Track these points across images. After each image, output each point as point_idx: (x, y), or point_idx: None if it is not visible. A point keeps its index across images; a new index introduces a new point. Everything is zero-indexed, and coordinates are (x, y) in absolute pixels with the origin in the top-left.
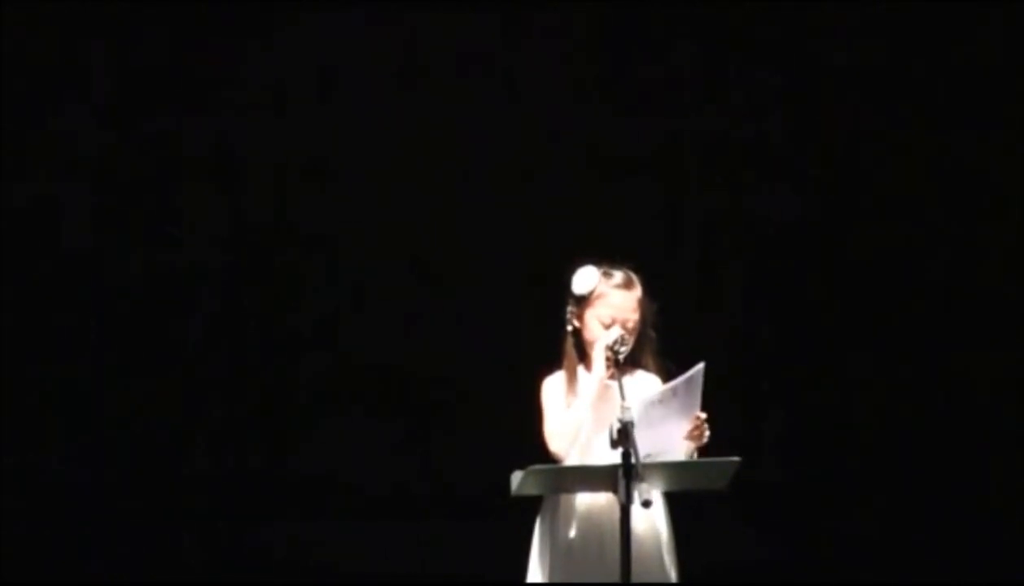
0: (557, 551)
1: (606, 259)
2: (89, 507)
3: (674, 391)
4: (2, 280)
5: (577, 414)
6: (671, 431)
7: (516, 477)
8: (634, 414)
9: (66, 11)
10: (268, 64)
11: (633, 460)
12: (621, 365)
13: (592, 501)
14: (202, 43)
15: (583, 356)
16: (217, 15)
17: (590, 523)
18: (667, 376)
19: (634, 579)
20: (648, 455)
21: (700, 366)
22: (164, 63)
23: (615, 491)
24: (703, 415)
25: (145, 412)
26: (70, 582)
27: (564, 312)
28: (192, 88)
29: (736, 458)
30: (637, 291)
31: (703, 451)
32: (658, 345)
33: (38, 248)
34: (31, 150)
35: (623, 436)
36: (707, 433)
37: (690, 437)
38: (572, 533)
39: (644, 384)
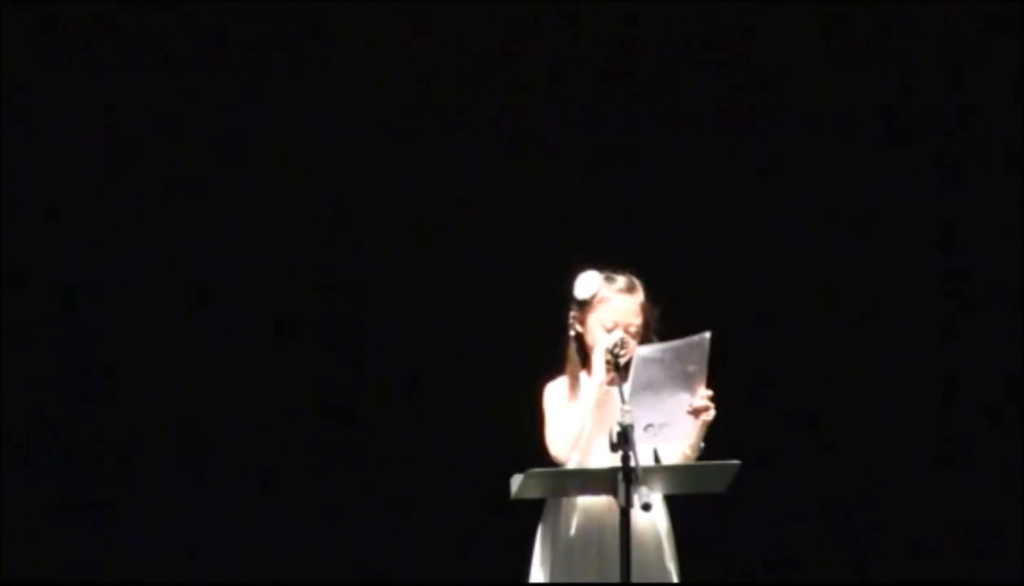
0: (558, 552)
1: (608, 264)
2: None
3: (676, 352)
4: None
5: (578, 418)
6: (673, 401)
7: (516, 480)
8: (631, 372)
9: None
10: None
11: (633, 464)
12: (622, 369)
13: (593, 502)
14: None
15: (585, 361)
16: None
17: (591, 524)
18: None
19: (635, 580)
20: (650, 426)
21: (706, 334)
22: None
23: (615, 494)
24: (709, 391)
25: None
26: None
27: (566, 317)
28: None
29: (736, 461)
30: (639, 295)
31: (706, 439)
32: None
33: None
34: None
35: (623, 440)
36: (712, 411)
37: (694, 413)
38: (573, 534)
39: None
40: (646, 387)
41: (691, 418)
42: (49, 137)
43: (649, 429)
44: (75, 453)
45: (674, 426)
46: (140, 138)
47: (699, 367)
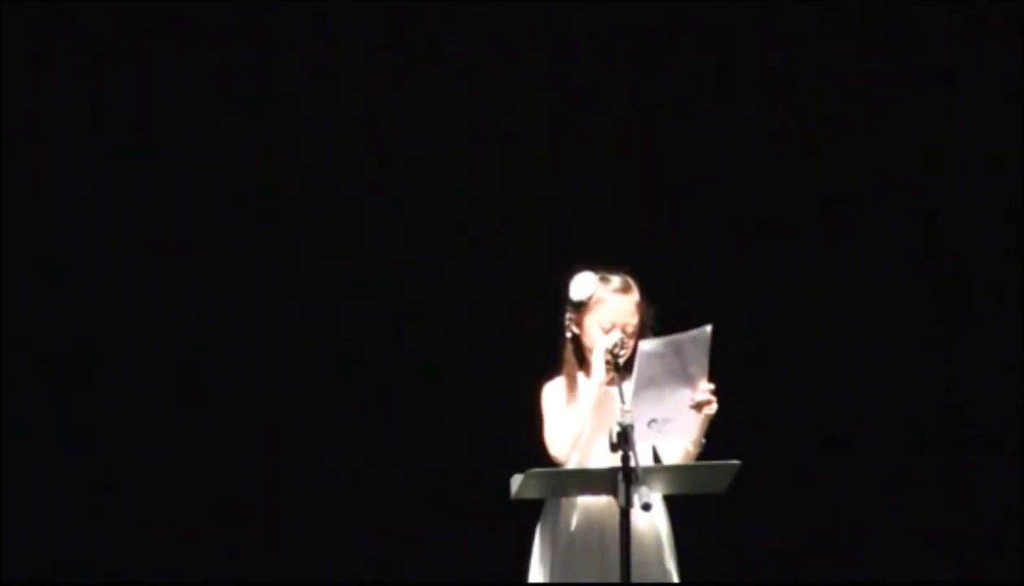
0: (558, 552)
1: (603, 264)
2: None
3: (678, 346)
4: None
5: (577, 418)
6: (676, 396)
7: (516, 480)
8: (634, 368)
9: None
10: None
11: (633, 464)
12: (621, 369)
13: (593, 502)
14: None
15: (582, 362)
16: None
17: (591, 523)
18: None
19: (635, 579)
20: (653, 421)
21: (707, 328)
22: None
23: (615, 494)
24: (711, 385)
25: None
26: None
27: (562, 319)
28: None
29: (736, 461)
30: (635, 295)
31: (708, 436)
32: None
33: None
34: None
35: (623, 440)
36: (715, 405)
37: (696, 407)
38: (573, 533)
39: None
40: (649, 382)
41: (693, 412)
42: (48, 138)
43: (652, 424)
44: (75, 452)
45: (677, 421)
46: (139, 138)
47: (700, 361)
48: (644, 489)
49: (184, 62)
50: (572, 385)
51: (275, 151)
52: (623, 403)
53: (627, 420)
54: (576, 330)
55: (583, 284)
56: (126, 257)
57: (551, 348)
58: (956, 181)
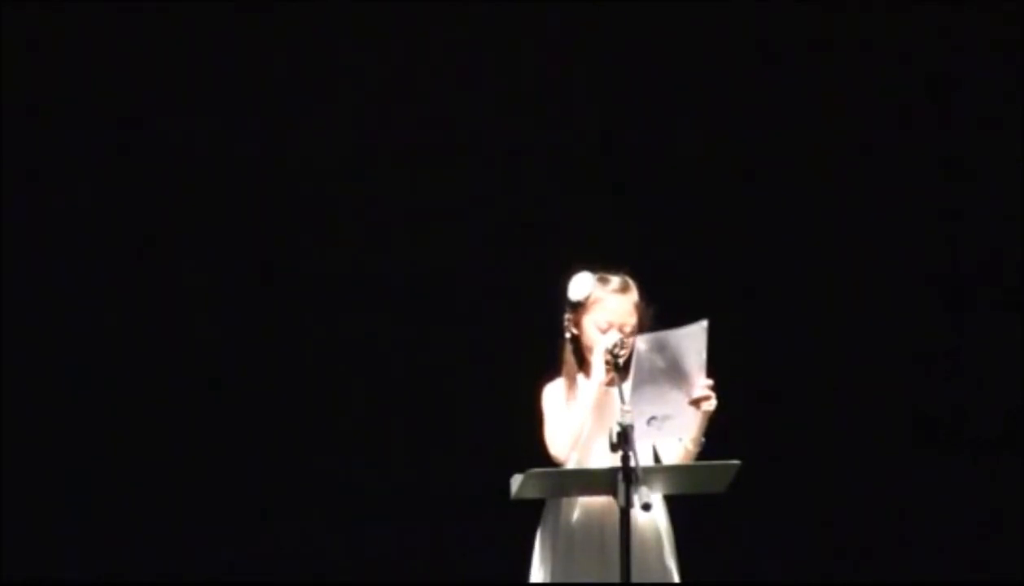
0: (559, 552)
1: (601, 265)
2: None
3: (674, 340)
4: None
5: (577, 418)
6: (674, 393)
7: (516, 480)
8: (632, 365)
9: None
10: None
11: (633, 464)
12: (621, 369)
13: (593, 501)
14: None
15: (582, 363)
16: None
17: (591, 524)
18: None
19: (636, 578)
20: (653, 418)
21: (703, 322)
22: None
23: (615, 495)
24: (710, 381)
25: None
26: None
27: (562, 319)
28: None
29: (736, 461)
30: (633, 295)
31: (707, 434)
32: None
33: None
34: None
35: (623, 440)
36: (714, 400)
37: (694, 403)
38: (573, 534)
39: None
40: (647, 379)
41: (693, 409)
42: (47, 142)
43: (652, 422)
44: (77, 452)
45: (677, 418)
46: (138, 141)
47: (698, 356)
48: (644, 489)
49: (185, 59)
50: (572, 386)
51: (276, 151)
52: (623, 403)
53: (627, 420)
54: (575, 331)
55: (580, 284)
56: (124, 258)
57: (551, 348)
58: (956, 181)
